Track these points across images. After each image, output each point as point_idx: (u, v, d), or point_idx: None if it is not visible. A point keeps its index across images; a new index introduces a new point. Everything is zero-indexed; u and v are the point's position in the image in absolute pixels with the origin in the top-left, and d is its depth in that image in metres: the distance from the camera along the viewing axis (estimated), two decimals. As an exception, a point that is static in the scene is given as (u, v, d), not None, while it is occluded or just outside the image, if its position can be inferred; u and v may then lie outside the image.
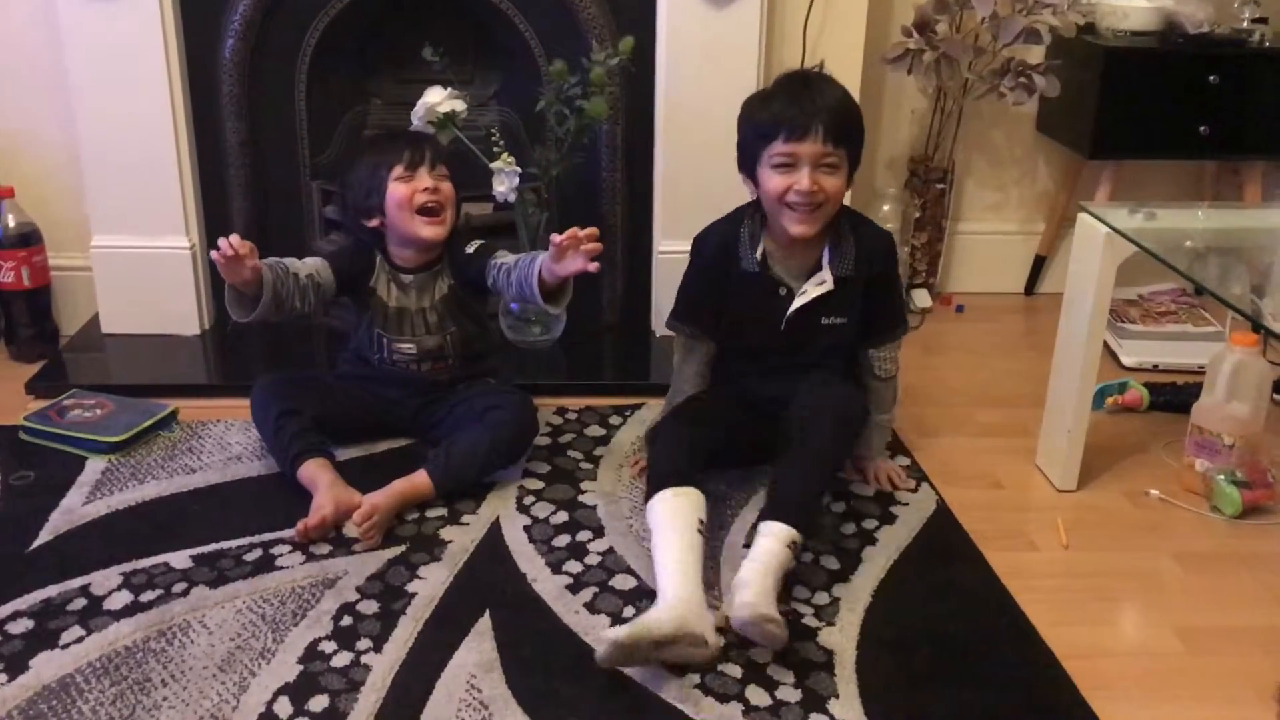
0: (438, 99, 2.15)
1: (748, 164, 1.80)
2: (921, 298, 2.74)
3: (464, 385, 2.00)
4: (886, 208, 2.64)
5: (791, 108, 1.73)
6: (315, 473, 1.81)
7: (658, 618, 1.44)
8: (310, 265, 1.91)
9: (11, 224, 2.30)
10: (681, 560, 1.55)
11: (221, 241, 1.72)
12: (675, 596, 1.49)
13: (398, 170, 1.89)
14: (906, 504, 1.87)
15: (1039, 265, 2.84)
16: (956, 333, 2.66)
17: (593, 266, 1.79)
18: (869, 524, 1.81)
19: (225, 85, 2.29)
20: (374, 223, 1.93)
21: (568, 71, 2.16)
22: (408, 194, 1.88)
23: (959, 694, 1.44)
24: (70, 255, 2.43)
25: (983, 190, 2.81)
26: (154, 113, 2.26)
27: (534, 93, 2.24)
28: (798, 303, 1.81)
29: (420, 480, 1.80)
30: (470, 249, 1.97)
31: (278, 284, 1.82)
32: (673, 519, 1.61)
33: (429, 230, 1.90)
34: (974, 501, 1.89)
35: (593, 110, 2.14)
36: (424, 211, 1.89)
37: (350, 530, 1.73)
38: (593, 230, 1.77)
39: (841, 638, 1.54)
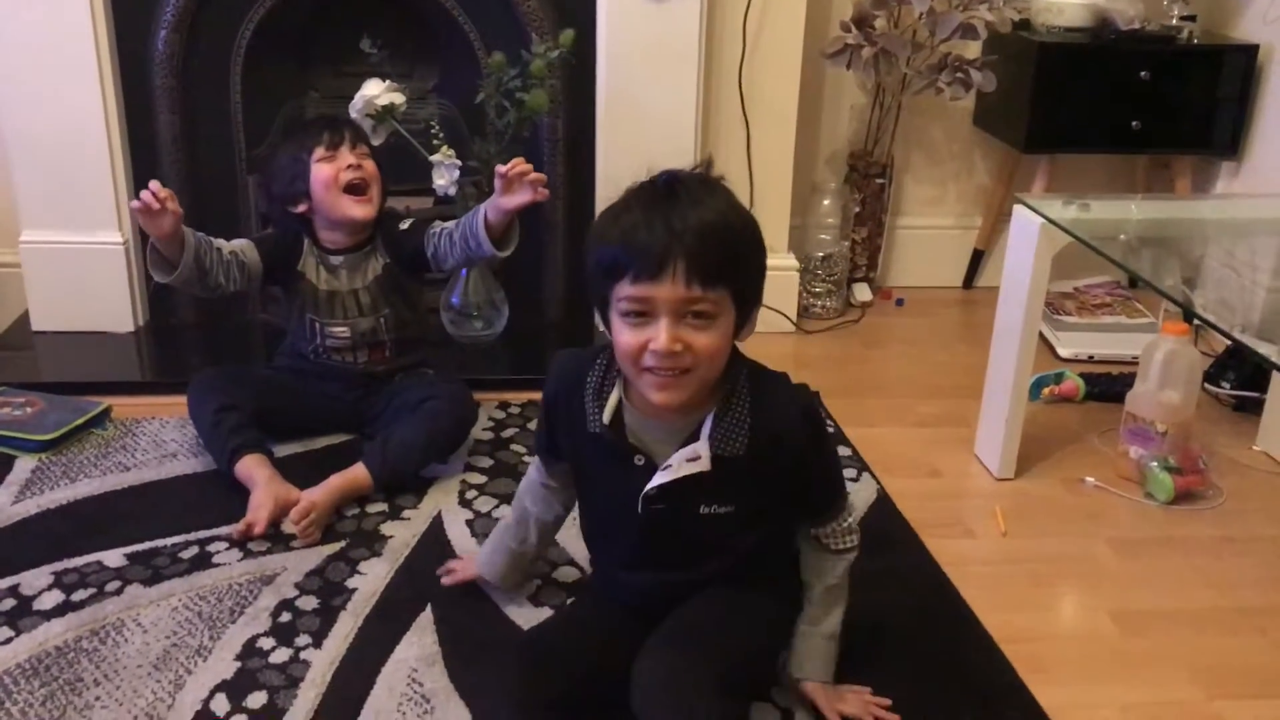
0: (376, 91, 2.13)
1: (598, 303, 1.28)
2: (862, 291, 2.76)
3: (401, 376, 1.98)
4: (827, 202, 2.66)
5: (643, 230, 1.19)
6: (253, 469, 1.78)
7: None
8: (235, 244, 1.90)
9: (-64, 219, 2.24)
10: None
11: (143, 193, 1.70)
12: None
13: (319, 152, 1.88)
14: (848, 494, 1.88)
15: (977, 259, 2.88)
16: (896, 326, 2.68)
17: (542, 194, 1.81)
18: (811, 514, 1.82)
19: (158, 78, 2.25)
20: (301, 208, 1.91)
21: (507, 64, 2.15)
22: (332, 173, 1.87)
23: (898, 680, 1.44)
24: (-1, 252, 2.38)
25: (921, 185, 2.84)
26: (84, 105, 2.21)
27: (473, 85, 2.23)
28: (658, 479, 1.28)
29: (358, 474, 1.78)
30: (404, 225, 1.96)
31: (200, 249, 1.81)
32: None
33: (358, 209, 1.89)
34: (913, 490, 1.91)
35: (533, 103, 2.13)
36: (350, 189, 1.88)
37: (288, 527, 1.70)
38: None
39: (784, 626, 1.54)
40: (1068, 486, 1.96)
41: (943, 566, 1.69)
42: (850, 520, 1.42)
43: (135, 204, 1.71)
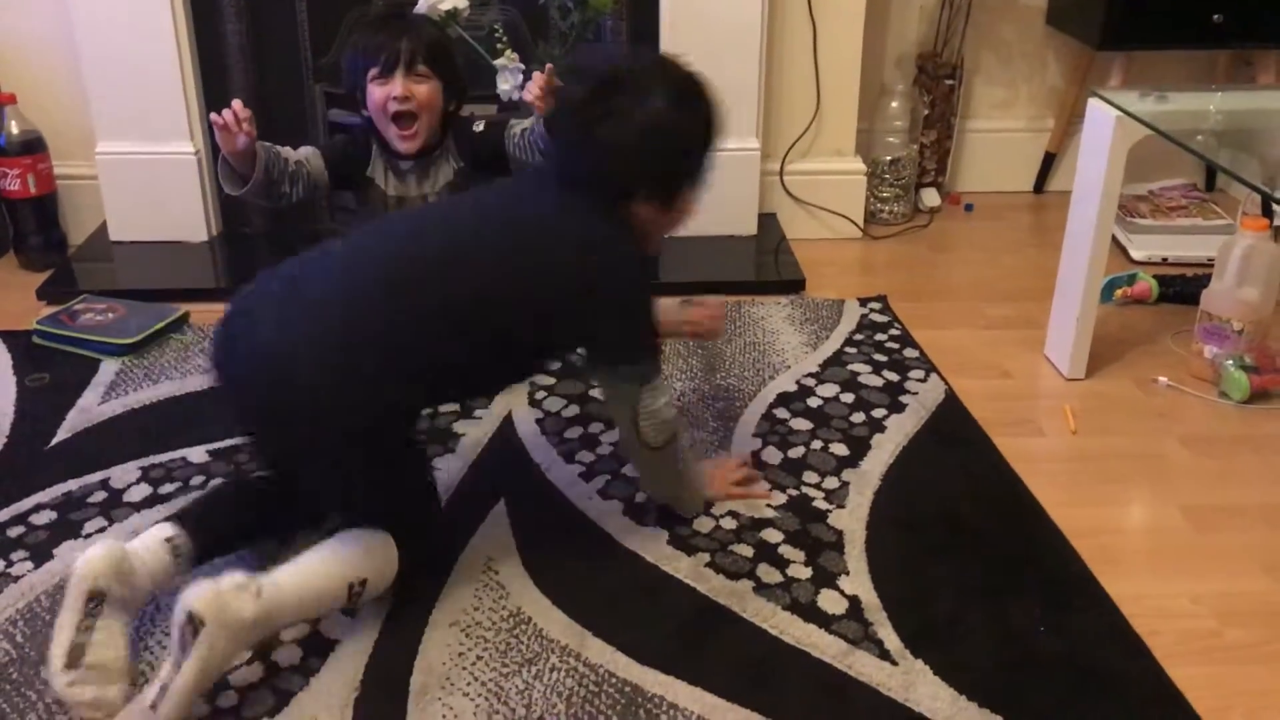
0: (440, -4, 2.12)
1: None
2: (930, 196, 2.72)
3: None
4: (895, 105, 2.61)
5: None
6: None
7: None
8: (301, 153, 1.88)
9: (15, 131, 2.29)
10: None
11: (225, 111, 1.71)
12: None
13: (373, 71, 1.84)
14: (915, 393, 1.88)
15: (1048, 163, 2.82)
16: (966, 231, 2.65)
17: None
18: (878, 413, 1.82)
19: (225, -13, 2.27)
20: (366, 112, 1.91)
21: (571, -36, 2.13)
22: (381, 100, 1.83)
23: (967, 569, 1.46)
24: (76, 164, 2.42)
25: (992, 87, 2.78)
26: (153, 15, 2.23)
27: (537, -13, 2.21)
28: None
29: None
30: (478, 127, 1.94)
31: (269, 162, 1.81)
32: None
33: (401, 143, 1.86)
34: (982, 391, 1.90)
35: (596, 2, 2.11)
36: (396, 119, 1.85)
37: None
38: (550, 67, 1.78)
39: (851, 519, 1.56)
40: (1140, 386, 1.93)
41: (1012, 464, 1.69)
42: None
43: (216, 118, 1.72)
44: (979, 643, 1.34)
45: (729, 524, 1.54)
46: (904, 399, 1.86)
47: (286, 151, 1.86)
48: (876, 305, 2.19)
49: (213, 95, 2.35)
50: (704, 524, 1.54)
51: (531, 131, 1.87)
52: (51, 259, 2.36)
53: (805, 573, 1.45)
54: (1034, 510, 1.59)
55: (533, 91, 1.81)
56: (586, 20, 2.16)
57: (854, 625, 1.36)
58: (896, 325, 2.11)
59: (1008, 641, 1.34)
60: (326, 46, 2.39)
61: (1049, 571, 1.47)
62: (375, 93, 1.85)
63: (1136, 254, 2.44)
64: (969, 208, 2.75)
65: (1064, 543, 1.51)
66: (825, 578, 1.44)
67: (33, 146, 2.31)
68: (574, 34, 2.18)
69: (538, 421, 1.79)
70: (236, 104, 1.72)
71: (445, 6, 2.11)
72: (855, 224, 2.55)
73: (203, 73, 2.33)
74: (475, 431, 1.76)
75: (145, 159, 2.34)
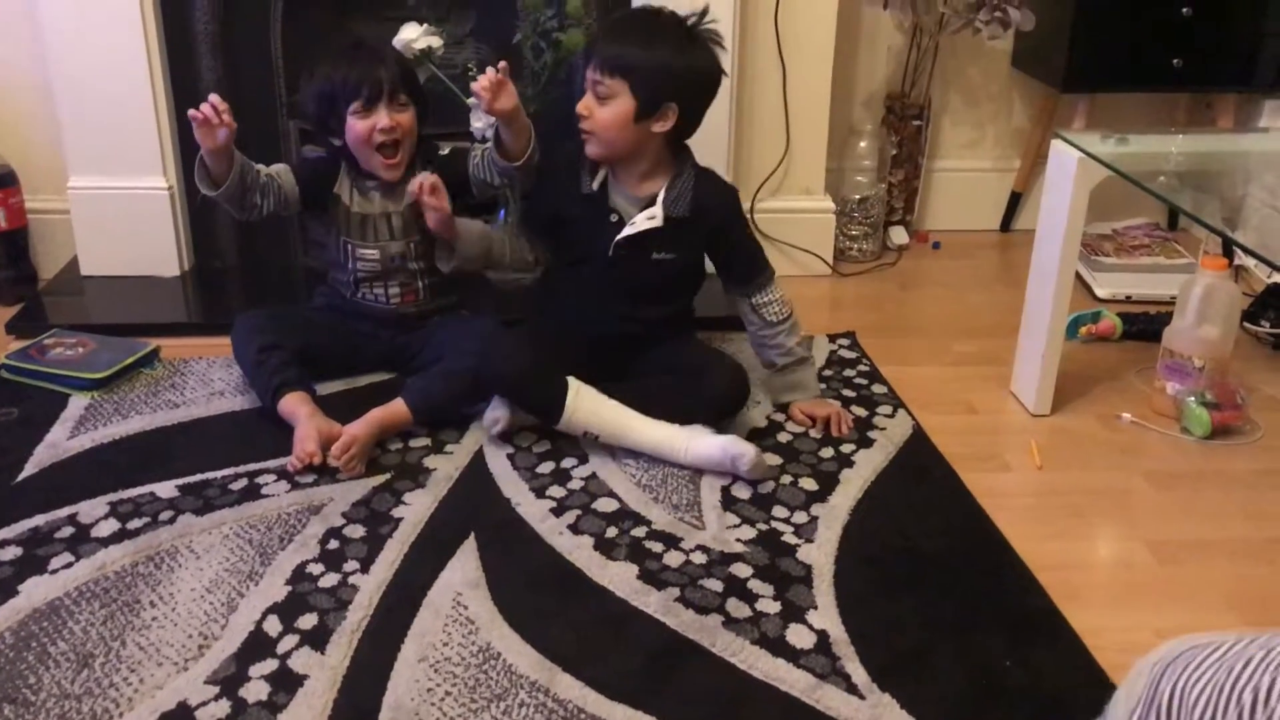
0: (413, 35, 2.14)
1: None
2: (898, 234, 2.76)
3: (437, 318, 2.01)
4: (863, 144, 2.65)
5: (599, 33, 1.85)
6: (295, 406, 1.82)
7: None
8: (273, 169, 1.92)
9: (-14, 165, 2.29)
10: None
11: (203, 105, 1.74)
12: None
13: (355, 105, 1.87)
14: (884, 429, 1.90)
15: (1015, 202, 2.86)
16: (933, 269, 2.68)
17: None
18: (846, 448, 1.84)
19: (199, 23, 2.28)
20: (338, 141, 1.93)
21: (544, 4, 2.16)
22: (365, 132, 1.87)
23: (934, 603, 1.47)
24: (47, 198, 2.42)
25: (959, 127, 2.83)
26: (128, 51, 2.24)
27: (510, 27, 2.23)
28: (627, 231, 1.82)
29: (397, 408, 1.81)
30: (444, 151, 1.99)
31: (244, 166, 1.84)
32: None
33: (387, 172, 1.91)
34: (949, 426, 1.92)
35: (570, 43, 2.14)
36: (381, 149, 1.88)
37: (331, 461, 1.74)
38: (503, 64, 1.81)
39: (820, 554, 1.57)
40: (1104, 422, 1.96)
41: (978, 498, 1.71)
42: (779, 294, 1.92)
43: (194, 113, 1.74)
44: (946, 676, 1.35)
45: (699, 558, 1.55)
46: (872, 434, 1.88)
47: (259, 166, 1.88)
48: (845, 341, 2.21)
49: (186, 130, 2.33)
50: (674, 558, 1.55)
51: (490, 152, 1.92)
52: (22, 293, 2.35)
53: (774, 607, 1.46)
54: (1000, 544, 1.60)
55: (481, 84, 1.81)
56: (559, 59, 2.19)
57: (822, 659, 1.37)
58: (865, 361, 2.14)
59: (974, 674, 1.36)
60: (299, 81, 2.41)
61: (1015, 605, 1.48)
62: (358, 125, 1.88)
63: (1101, 292, 2.48)
64: (936, 246, 2.79)
65: (1030, 576, 1.53)
66: (794, 612, 1.45)
67: (4, 181, 2.31)
68: (546, 73, 2.20)
69: (509, 456, 1.79)
70: (214, 97, 1.75)
71: (419, 45, 2.14)
72: (825, 261, 2.57)
73: (177, 108, 2.34)
74: (446, 466, 1.77)
75: (117, 194, 2.34)
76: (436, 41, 2.15)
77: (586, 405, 1.78)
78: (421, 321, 2.01)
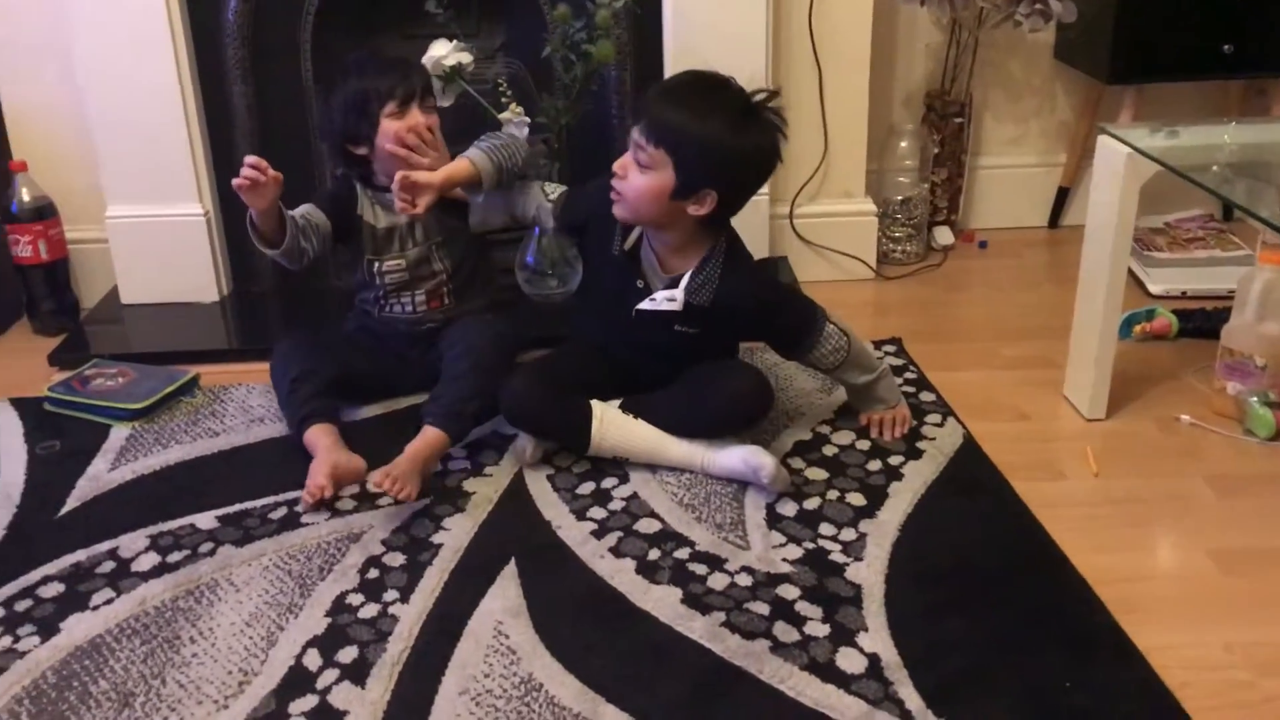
0: (444, 52, 2.12)
1: None
2: (943, 235, 2.70)
3: (458, 325, 1.98)
4: (904, 144, 2.60)
5: (651, 92, 1.71)
6: (317, 438, 1.80)
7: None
8: (300, 210, 1.90)
9: (26, 198, 2.30)
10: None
11: (244, 170, 1.71)
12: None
13: (390, 107, 1.87)
14: (933, 439, 1.85)
15: (1062, 197, 2.79)
16: (980, 269, 2.62)
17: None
18: (894, 460, 1.79)
19: (229, 49, 2.27)
20: (361, 150, 1.91)
21: (572, 16, 2.13)
22: (402, 131, 1.87)
23: (990, 622, 1.42)
24: (86, 228, 2.43)
25: (1002, 123, 2.77)
26: (161, 79, 2.25)
27: (540, 41, 2.21)
28: (645, 305, 1.75)
29: (429, 435, 1.75)
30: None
31: (290, 217, 1.83)
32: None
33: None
34: (1001, 434, 1.86)
35: (599, 54, 2.11)
36: (415, 150, 1.88)
37: (372, 487, 1.70)
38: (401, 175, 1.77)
39: (869, 572, 1.52)
40: (1162, 425, 1.89)
41: (1032, 509, 1.65)
42: (830, 344, 1.80)
43: (239, 181, 1.72)
44: (1004, 699, 1.30)
45: (744, 580, 1.51)
46: (921, 445, 1.83)
47: (291, 213, 1.87)
48: (891, 348, 2.16)
49: (220, 156, 2.36)
50: (718, 581, 1.51)
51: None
52: (64, 324, 2.36)
53: (823, 630, 1.41)
54: (1056, 558, 1.55)
55: (400, 201, 1.78)
56: (590, 71, 2.16)
57: (874, 684, 1.32)
58: (912, 368, 2.09)
59: (1032, 697, 1.30)
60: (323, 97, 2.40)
61: (1073, 622, 1.43)
62: (391, 127, 1.87)
63: (1154, 288, 2.41)
64: (983, 245, 2.73)
65: (1088, 591, 1.48)
66: (844, 635, 1.40)
67: (44, 212, 2.32)
68: (578, 86, 2.17)
69: (548, 477, 1.77)
70: (250, 159, 1.73)
71: (450, 62, 2.12)
72: (868, 265, 2.53)
73: (210, 134, 2.34)
74: (486, 489, 1.74)
75: (154, 221, 2.34)
76: (467, 58, 2.13)
77: (612, 432, 1.75)
78: (446, 332, 1.98)
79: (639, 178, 1.67)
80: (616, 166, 1.69)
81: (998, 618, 1.43)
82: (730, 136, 1.64)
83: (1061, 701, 1.30)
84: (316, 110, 2.21)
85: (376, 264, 1.95)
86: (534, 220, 1.90)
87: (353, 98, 1.89)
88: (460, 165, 1.83)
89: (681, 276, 1.74)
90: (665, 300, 1.73)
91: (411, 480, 1.68)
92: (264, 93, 2.34)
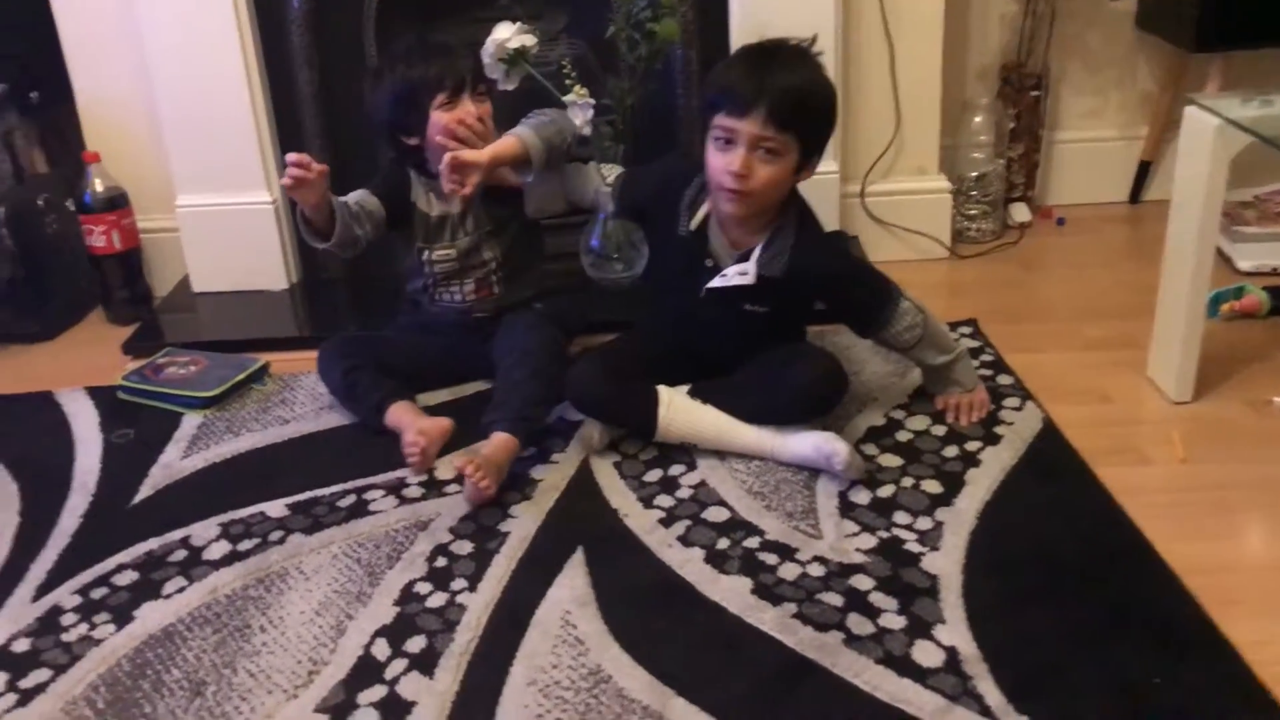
0: (507, 35, 2.09)
1: (703, 132, 1.70)
2: (1020, 212, 2.63)
3: (509, 315, 1.96)
4: (979, 119, 2.53)
5: (742, 80, 1.61)
6: (400, 415, 1.82)
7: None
8: (353, 196, 1.89)
9: (99, 188, 2.33)
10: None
11: (289, 169, 1.69)
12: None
13: (440, 98, 1.84)
14: (1011, 423, 1.79)
15: (1144, 171, 2.69)
16: (1058, 247, 2.54)
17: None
18: (972, 446, 1.74)
19: (295, 35, 2.28)
20: (412, 141, 1.89)
21: (636, -5, 2.09)
22: (453, 122, 1.84)
23: (1072, 615, 1.37)
24: (158, 217, 2.45)
25: (1080, 95, 2.67)
26: (228, 67, 2.26)
27: (603, 22, 2.17)
28: (715, 282, 1.71)
29: (499, 441, 1.71)
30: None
31: (340, 207, 1.82)
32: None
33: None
34: (1082, 417, 1.80)
35: (664, 33, 2.07)
36: (463, 142, 1.84)
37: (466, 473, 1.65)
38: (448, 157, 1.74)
39: (946, 562, 1.48)
40: (1253, 408, 1.82)
41: (1116, 496, 1.59)
42: (905, 321, 1.75)
43: (286, 181, 1.71)
44: (1088, 696, 1.26)
45: (816, 570, 1.48)
46: (999, 430, 1.78)
47: (342, 200, 1.86)
48: (967, 329, 2.10)
49: (287, 143, 2.36)
50: (789, 571, 1.48)
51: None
52: (138, 313, 2.39)
53: (898, 622, 1.38)
54: (1142, 547, 1.49)
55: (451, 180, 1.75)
56: (655, 51, 2.12)
57: (952, 679, 1.28)
58: (989, 350, 2.03)
59: (1119, 694, 1.26)
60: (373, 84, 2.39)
61: (1161, 615, 1.37)
62: (442, 119, 1.84)
63: (1243, 264, 2.31)
64: (1061, 222, 2.65)
65: (1177, 582, 1.42)
66: (920, 627, 1.37)
67: (116, 203, 2.35)
68: (642, 65, 2.14)
69: (615, 464, 1.74)
70: (293, 155, 1.72)
71: (513, 45, 2.09)
72: (942, 244, 2.46)
73: (277, 122, 2.35)
74: (553, 476, 1.73)
75: (224, 210, 2.36)
76: (530, 40, 2.10)
77: (680, 418, 1.72)
78: (496, 322, 1.96)
79: (767, 169, 1.61)
80: (739, 168, 1.60)
81: (1081, 610, 1.38)
82: (826, 83, 1.66)
83: (1150, 699, 1.25)
84: (366, 98, 2.20)
85: (426, 252, 1.94)
86: (593, 204, 1.87)
87: (401, 89, 1.87)
88: (507, 143, 1.81)
89: (752, 251, 1.70)
90: (736, 275, 1.69)
91: (491, 474, 1.65)
92: (329, 78, 2.33)
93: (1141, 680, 1.27)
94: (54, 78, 2.39)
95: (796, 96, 1.59)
